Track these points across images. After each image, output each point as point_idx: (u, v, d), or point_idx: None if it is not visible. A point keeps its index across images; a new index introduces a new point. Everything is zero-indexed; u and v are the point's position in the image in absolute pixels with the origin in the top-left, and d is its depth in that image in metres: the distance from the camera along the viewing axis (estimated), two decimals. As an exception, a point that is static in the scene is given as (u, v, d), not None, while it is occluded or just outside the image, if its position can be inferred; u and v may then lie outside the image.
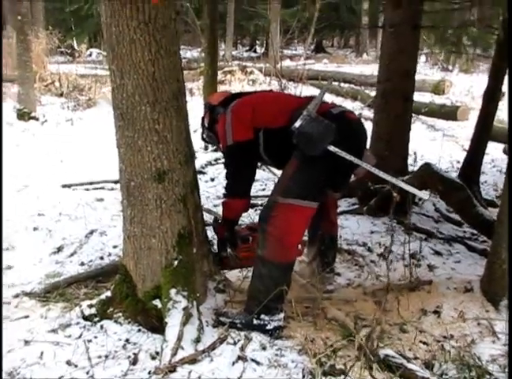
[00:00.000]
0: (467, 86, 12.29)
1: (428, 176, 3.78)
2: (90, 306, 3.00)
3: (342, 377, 2.53)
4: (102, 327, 2.89)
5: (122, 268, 2.97)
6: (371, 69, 16.11)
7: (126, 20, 2.42)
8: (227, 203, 2.96)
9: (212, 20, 6.25)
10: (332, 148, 2.55)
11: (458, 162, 6.45)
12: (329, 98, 10.90)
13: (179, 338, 2.59)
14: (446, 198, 3.89)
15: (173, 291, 2.74)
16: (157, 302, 2.81)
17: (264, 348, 2.71)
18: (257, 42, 28.99)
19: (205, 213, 3.35)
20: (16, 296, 3.27)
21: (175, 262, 2.76)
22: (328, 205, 3.05)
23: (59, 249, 4.00)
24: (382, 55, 4.42)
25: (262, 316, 2.76)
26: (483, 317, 2.94)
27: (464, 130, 8.23)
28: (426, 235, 4.13)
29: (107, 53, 2.57)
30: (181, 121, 2.69)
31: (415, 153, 5.51)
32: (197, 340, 2.66)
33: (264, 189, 5.51)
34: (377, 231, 4.27)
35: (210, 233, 3.29)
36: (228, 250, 3.05)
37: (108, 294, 3.01)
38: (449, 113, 9.13)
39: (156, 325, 2.83)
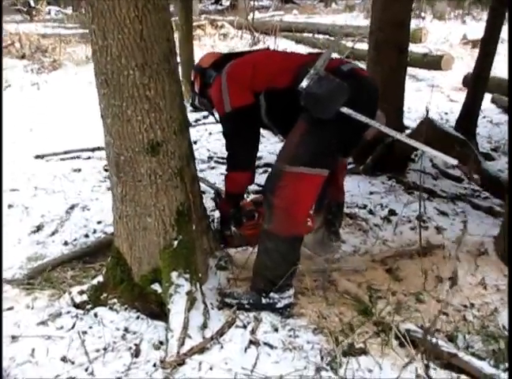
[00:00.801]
0: (443, 34, 12.00)
1: (431, 132, 3.55)
2: (81, 293, 2.75)
3: (363, 356, 2.35)
4: (96, 315, 2.65)
5: (114, 250, 2.71)
6: (343, 19, 15.76)
7: (106, -30, 2.07)
8: (230, 176, 2.75)
9: (184, -29, 5.81)
10: (345, 109, 2.28)
11: (446, 113, 6.26)
12: (303, 50, 10.54)
13: (185, 326, 2.36)
14: (451, 154, 3.69)
15: (174, 274, 2.49)
16: (157, 287, 2.57)
17: (276, 329, 2.52)
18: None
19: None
20: (-4, 284, 2.99)
21: (175, 242, 2.51)
22: (336, 170, 2.79)
23: (39, 228, 3.69)
24: (375, 3, 4.11)
25: (272, 294, 2.56)
26: (504, 284, 2.78)
27: (448, 80, 8.03)
28: (428, 194, 3.94)
29: (85, 10, 2.22)
30: (173, 85, 2.38)
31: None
32: (204, 326, 2.44)
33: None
34: (376, 192, 4.06)
35: (208, 205, 3.05)
36: (233, 228, 2.87)
37: (100, 278, 2.76)
38: (433, 62, 8.86)
39: (156, 311, 2.60)
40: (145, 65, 2.22)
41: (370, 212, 3.72)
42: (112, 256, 2.72)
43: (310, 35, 12.18)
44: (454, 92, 7.76)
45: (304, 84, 2.28)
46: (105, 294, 2.72)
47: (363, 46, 9.65)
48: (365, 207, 3.80)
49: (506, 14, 4.24)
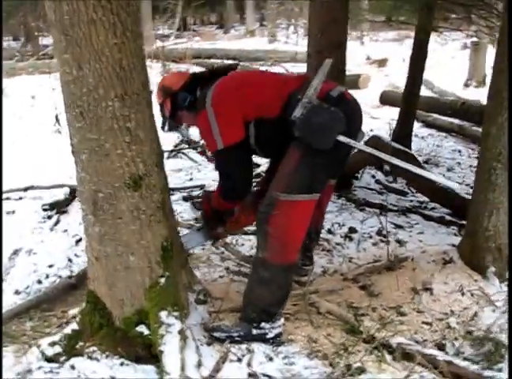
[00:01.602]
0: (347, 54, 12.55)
1: (380, 147, 3.66)
2: (52, 344, 2.51)
3: (362, 375, 2.35)
4: (73, 367, 2.43)
5: (90, 295, 2.51)
6: (248, 44, 16.13)
7: (82, -3, 1.95)
8: (220, 202, 2.67)
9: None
10: (342, 138, 2.28)
11: (372, 130, 6.50)
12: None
13: (183, 367, 2.23)
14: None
15: (163, 314, 2.35)
16: (142, 329, 2.41)
17: (271, 359, 2.46)
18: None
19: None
20: None
21: (162, 280, 2.37)
22: (322, 193, 2.78)
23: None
24: (312, 27, 4.21)
25: (263, 324, 2.49)
26: (479, 287, 2.90)
27: (365, 98, 8.37)
28: (380, 209, 4.04)
29: (55, 39, 2.07)
30: (151, 115, 2.28)
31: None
32: (199, 364, 2.31)
33: (191, 179, 5.12)
34: (329, 211, 4.08)
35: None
36: (219, 230, 2.92)
37: (74, 326, 2.55)
38: (351, 82, 9.20)
39: (142, 354, 2.44)
40: (125, 95, 2.11)
41: (330, 232, 3.76)
42: (88, 301, 2.52)
43: (220, 61, 12.30)
44: (373, 110, 8.13)
45: (297, 113, 2.24)
46: (81, 343, 2.51)
47: (278, 70, 9.93)
48: (330, 230, 3.81)
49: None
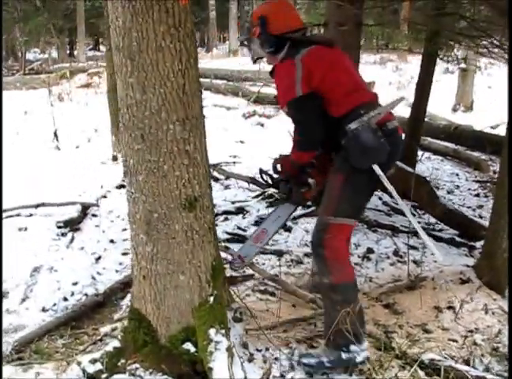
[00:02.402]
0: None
1: (395, 172, 3.79)
2: (93, 361, 2.55)
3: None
4: (116, 384, 2.48)
5: (134, 312, 2.57)
6: (233, 63, 16.30)
7: (153, 25, 2.05)
8: (298, 154, 2.66)
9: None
10: (376, 168, 2.39)
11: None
12: (208, 95, 10.71)
13: (232, 383, 2.29)
14: (413, 193, 3.98)
15: (212, 331, 2.41)
16: (189, 346, 2.47)
17: (311, 375, 2.53)
18: (101, 40, 27.73)
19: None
20: (-24, 364, 2.68)
21: (211, 298, 2.44)
22: None
23: (3, 296, 3.36)
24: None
25: (352, 347, 2.47)
26: (499, 306, 3.03)
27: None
28: (391, 231, 4.17)
29: (120, 63, 2.15)
30: (205, 139, 2.37)
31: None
32: (245, 380, 2.38)
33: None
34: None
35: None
36: (310, 181, 2.80)
37: (116, 344, 2.59)
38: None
39: (185, 371, 2.49)
40: (186, 119, 2.20)
41: (347, 252, 3.86)
42: (132, 318, 2.57)
43: (208, 80, 12.41)
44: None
45: (353, 126, 2.35)
46: (123, 360, 2.56)
47: (269, 90, 10.09)
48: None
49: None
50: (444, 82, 12.87)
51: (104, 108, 7.69)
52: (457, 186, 5.67)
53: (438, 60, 7.32)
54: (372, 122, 2.38)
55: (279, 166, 2.87)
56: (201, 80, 7.86)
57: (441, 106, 9.92)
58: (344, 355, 2.46)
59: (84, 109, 9.88)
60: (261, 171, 3.00)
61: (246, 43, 2.81)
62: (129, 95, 2.17)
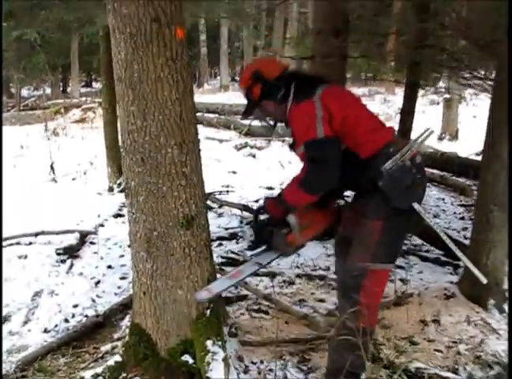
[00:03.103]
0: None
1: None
2: (95, 376, 2.69)
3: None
4: (117, 397, 2.60)
5: (134, 327, 2.71)
6: (225, 98, 16.66)
7: (152, 57, 2.26)
8: (299, 194, 2.47)
9: (108, 55, 5.96)
10: (417, 206, 2.39)
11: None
12: (200, 128, 10.96)
13: (229, 392, 2.42)
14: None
15: (209, 343, 2.54)
16: (187, 358, 2.60)
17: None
18: (93, 76, 28.20)
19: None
20: (-18, 384, 2.80)
21: (208, 312, 2.58)
22: None
23: (6, 319, 3.49)
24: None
25: None
26: (481, 318, 3.19)
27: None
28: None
29: (122, 93, 2.35)
30: (201, 162, 2.55)
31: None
32: (242, 390, 2.51)
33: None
34: (333, 254, 4.38)
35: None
36: (294, 226, 2.55)
37: (117, 358, 2.72)
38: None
39: (183, 383, 2.62)
40: (183, 143, 2.39)
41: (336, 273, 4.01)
42: (133, 333, 2.70)
43: (200, 114, 12.70)
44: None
45: (388, 165, 2.30)
46: (124, 374, 2.69)
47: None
48: (328, 268, 4.09)
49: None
50: (430, 112, 13.27)
51: (98, 142, 7.91)
52: (443, 210, 5.87)
53: (424, 91, 7.64)
54: (406, 159, 2.33)
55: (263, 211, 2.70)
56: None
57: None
58: None
59: (80, 143, 10.10)
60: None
61: (253, 114, 2.70)
62: (131, 122, 2.36)
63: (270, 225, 2.62)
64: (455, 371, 2.78)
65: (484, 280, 2.43)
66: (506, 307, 3.30)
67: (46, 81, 18.99)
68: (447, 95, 9.41)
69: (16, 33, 4.87)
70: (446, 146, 9.86)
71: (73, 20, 4.38)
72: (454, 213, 5.75)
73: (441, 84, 8.34)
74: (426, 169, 2.67)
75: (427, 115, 12.66)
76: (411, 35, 4.99)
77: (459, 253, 2.47)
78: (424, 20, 3.88)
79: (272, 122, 2.70)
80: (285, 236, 2.56)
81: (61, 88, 21.22)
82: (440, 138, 10.85)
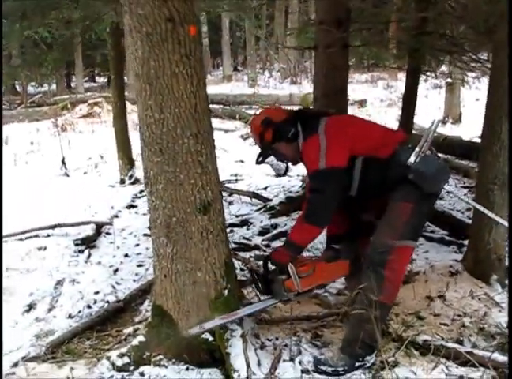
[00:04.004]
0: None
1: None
2: (121, 355, 2.85)
3: (396, 368, 2.72)
4: (143, 374, 2.79)
5: (157, 308, 2.87)
6: (228, 88, 16.78)
7: (167, 54, 2.41)
8: (304, 227, 2.71)
9: (116, 51, 6.12)
10: (448, 187, 2.71)
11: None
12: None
13: (248, 365, 2.59)
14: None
15: (228, 320, 2.72)
16: (207, 336, 2.77)
17: (318, 359, 2.82)
18: (96, 71, 28.27)
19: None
20: (16, 365, 2.99)
21: (225, 291, 2.76)
22: None
23: (31, 307, 3.68)
24: (317, 74, 4.74)
25: (367, 358, 2.72)
26: (484, 293, 3.35)
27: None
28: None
29: (140, 88, 2.50)
30: (215, 151, 2.71)
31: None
32: (259, 363, 2.68)
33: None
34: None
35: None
36: (292, 273, 2.72)
37: (141, 338, 2.89)
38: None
39: (204, 359, 2.80)
40: (198, 133, 2.54)
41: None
42: (155, 314, 2.87)
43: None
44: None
45: (412, 159, 2.54)
46: (148, 353, 2.85)
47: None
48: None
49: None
50: (433, 97, 13.34)
51: (108, 136, 8.07)
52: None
53: (427, 76, 7.77)
54: (426, 151, 2.60)
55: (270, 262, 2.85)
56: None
57: (430, 120, 10.33)
58: (357, 364, 2.70)
59: (89, 137, 10.25)
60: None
61: (268, 158, 2.91)
62: (149, 115, 2.51)
63: (274, 273, 2.82)
64: (460, 342, 2.94)
65: (506, 223, 2.89)
66: (507, 282, 3.45)
67: (51, 77, 19.13)
68: (449, 80, 9.50)
69: (28, 32, 5.02)
70: (450, 129, 9.97)
71: (82, 17, 4.50)
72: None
73: (443, 68, 8.42)
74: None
75: (430, 100, 12.75)
76: (411, 22, 5.10)
77: (491, 214, 2.88)
78: (424, 8, 4.00)
79: (285, 165, 3.02)
80: (283, 282, 2.74)
81: (65, 84, 21.35)
82: (443, 122, 10.94)
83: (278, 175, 2.69)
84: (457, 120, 10.87)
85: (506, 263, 3.53)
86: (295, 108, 3.00)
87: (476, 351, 2.74)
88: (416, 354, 2.84)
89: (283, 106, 3.09)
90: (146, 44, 2.40)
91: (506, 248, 3.44)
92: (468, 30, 4.71)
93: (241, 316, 2.79)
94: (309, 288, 2.84)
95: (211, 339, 2.77)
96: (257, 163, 2.91)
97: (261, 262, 3.08)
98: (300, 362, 2.77)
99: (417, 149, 2.58)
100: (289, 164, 3.03)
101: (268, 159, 2.92)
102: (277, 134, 2.77)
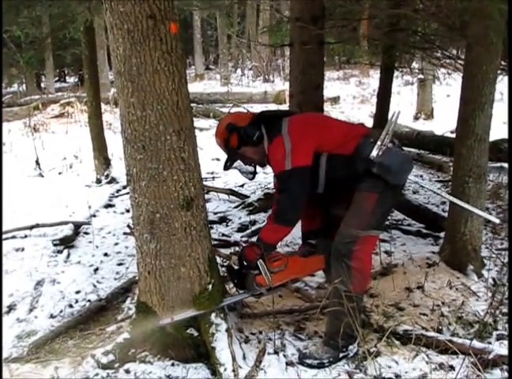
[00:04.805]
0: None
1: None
2: (106, 353, 2.85)
3: (378, 357, 2.79)
4: (128, 371, 2.80)
5: (141, 305, 2.88)
6: (201, 87, 16.75)
7: (149, 51, 2.41)
8: (273, 227, 2.76)
9: (90, 50, 6.07)
10: (412, 177, 2.74)
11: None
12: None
13: (233, 358, 2.62)
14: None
15: (213, 315, 2.75)
16: (192, 331, 2.80)
17: (301, 352, 2.86)
18: (66, 71, 27.89)
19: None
20: (-1, 365, 2.96)
21: (209, 286, 2.77)
22: None
23: (11, 308, 3.63)
24: (293, 71, 4.78)
25: (350, 347, 2.79)
26: (462, 283, 3.44)
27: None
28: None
29: (122, 86, 2.50)
30: (197, 147, 2.72)
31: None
32: (244, 357, 2.71)
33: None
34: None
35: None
36: (262, 269, 2.76)
37: (126, 335, 2.89)
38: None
39: (190, 355, 2.82)
40: (181, 130, 2.55)
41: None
42: (139, 311, 2.88)
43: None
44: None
45: (374, 153, 2.56)
46: (133, 350, 2.86)
47: (239, 109, 10.51)
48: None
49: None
50: (405, 93, 13.56)
51: (82, 135, 8.00)
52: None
53: (399, 73, 7.89)
54: (387, 143, 2.62)
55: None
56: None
57: (403, 116, 10.51)
58: (341, 355, 2.78)
59: (62, 138, 10.13)
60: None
61: (235, 163, 2.94)
62: (131, 113, 2.51)
63: (246, 268, 2.84)
64: (439, 331, 3.02)
65: (497, 220, 2.96)
66: (484, 272, 3.55)
67: (19, 78, 18.82)
68: (421, 76, 9.67)
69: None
70: (422, 125, 10.15)
71: (56, 16, 4.45)
72: (432, 189, 6.02)
73: (414, 64, 8.57)
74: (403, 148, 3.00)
75: (403, 96, 12.95)
76: (383, 19, 5.18)
77: (464, 204, 2.97)
78: (396, 5, 4.07)
79: (252, 169, 2.98)
80: (253, 277, 2.78)
81: (35, 84, 21.03)
82: (416, 118, 11.14)
83: (249, 179, 2.72)
84: (430, 116, 11.08)
85: (482, 254, 3.64)
86: (263, 109, 3.07)
87: (455, 339, 2.82)
88: (398, 343, 2.91)
89: (250, 108, 3.09)
90: (127, 41, 2.40)
91: (483, 238, 3.54)
92: (441, 27, 4.81)
93: (213, 309, 2.80)
94: (281, 283, 2.88)
95: (196, 334, 2.79)
96: (225, 168, 2.94)
97: None
98: (285, 355, 2.82)
99: (379, 142, 2.59)
100: (257, 167, 3.03)
101: (235, 164, 2.94)
102: (242, 138, 2.81)
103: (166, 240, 2.68)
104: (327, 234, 3.00)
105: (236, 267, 2.93)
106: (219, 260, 3.78)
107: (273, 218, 2.74)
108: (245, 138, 2.80)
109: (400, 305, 3.32)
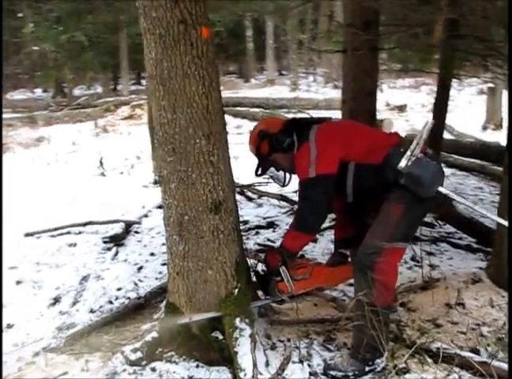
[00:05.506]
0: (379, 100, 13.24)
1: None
2: (135, 350, 2.90)
3: (407, 374, 2.68)
4: (154, 369, 2.84)
5: (169, 306, 2.92)
6: (268, 92, 16.85)
7: (180, 56, 2.45)
8: (295, 235, 2.73)
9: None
10: (443, 189, 2.58)
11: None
12: (245, 123, 11.25)
13: (255, 364, 2.60)
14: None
15: (237, 320, 2.74)
16: (217, 334, 2.81)
17: (327, 362, 2.81)
18: (142, 75, 28.87)
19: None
20: (37, 354, 3.09)
21: (236, 291, 2.78)
22: None
23: (56, 300, 3.82)
24: (345, 77, 4.73)
25: (376, 361, 2.70)
26: (504, 302, 3.25)
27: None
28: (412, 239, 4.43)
29: (154, 89, 2.56)
30: (228, 151, 2.74)
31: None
32: (267, 364, 2.68)
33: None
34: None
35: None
36: (284, 276, 2.73)
37: (154, 334, 2.94)
38: (375, 126, 9.76)
39: (214, 357, 2.83)
40: (210, 134, 2.58)
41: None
42: (168, 311, 2.93)
43: (245, 108, 12.93)
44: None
45: (403, 164, 2.44)
46: (160, 349, 2.91)
47: (303, 116, 10.49)
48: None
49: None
50: (477, 102, 13.04)
51: (145, 137, 8.23)
52: (481, 199, 5.86)
53: (472, 82, 7.58)
54: (417, 154, 2.49)
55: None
56: (239, 108, 8.49)
57: (471, 126, 10.14)
58: (367, 368, 2.69)
59: (128, 139, 10.49)
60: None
61: (267, 169, 2.89)
62: (162, 115, 2.57)
63: (269, 274, 2.82)
64: (476, 351, 2.87)
65: (505, 222, 2.68)
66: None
67: (97, 80, 19.71)
68: (492, 85, 9.27)
69: (64, 37, 5.17)
70: (490, 136, 9.71)
71: (118, 21, 4.63)
72: (492, 202, 5.73)
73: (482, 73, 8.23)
74: (465, 159, 2.84)
75: (474, 105, 12.48)
76: (445, 26, 5.00)
77: (491, 215, 2.76)
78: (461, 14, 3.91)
79: (283, 176, 2.92)
80: (276, 284, 2.77)
81: (112, 87, 21.92)
82: (484, 128, 10.68)
83: (281, 186, 2.68)
84: (498, 126, 10.57)
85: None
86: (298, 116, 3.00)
87: (492, 362, 2.67)
88: (429, 361, 2.79)
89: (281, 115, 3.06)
90: (159, 46, 2.45)
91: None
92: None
93: (229, 313, 2.79)
94: (305, 291, 2.85)
95: (221, 337, 2.80)
96: (257, 175, 2.91)
97: None
98: (309, 365, 2.77)
99: (408, 153, 2.48)
100: (290, 175, 2.96)
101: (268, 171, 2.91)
102: (273, 145, 2.78)
103: (194, 242, 2.71)
104: (359, 244, 2.94)
105: (262, 272, 2.92)
106: (260, 265, 3.78)
107: (294, 225, 2.72)
108: (275, 145, 2.77)
109: (438, 321, 3.18)
